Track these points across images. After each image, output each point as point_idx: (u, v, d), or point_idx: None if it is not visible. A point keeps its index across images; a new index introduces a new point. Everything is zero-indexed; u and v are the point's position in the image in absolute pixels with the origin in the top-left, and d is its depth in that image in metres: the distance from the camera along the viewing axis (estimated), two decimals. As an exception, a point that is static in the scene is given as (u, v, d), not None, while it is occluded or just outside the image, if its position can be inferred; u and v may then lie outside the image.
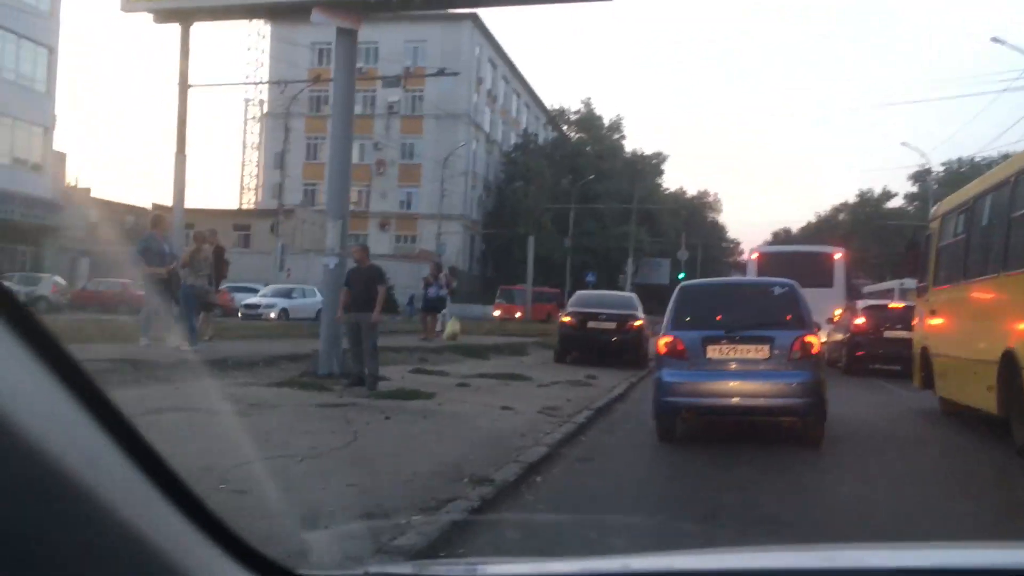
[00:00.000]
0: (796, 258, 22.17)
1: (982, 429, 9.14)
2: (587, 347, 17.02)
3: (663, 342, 8.26)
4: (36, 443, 0.66)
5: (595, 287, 40.18)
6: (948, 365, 10.19)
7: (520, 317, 44.42)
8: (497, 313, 44.01)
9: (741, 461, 7.26)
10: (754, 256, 21.89)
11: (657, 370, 8.45)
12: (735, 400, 7.97)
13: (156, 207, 65.94)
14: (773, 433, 8.43)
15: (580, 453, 7.38)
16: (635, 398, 12.24)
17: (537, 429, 7.83)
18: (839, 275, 21.41)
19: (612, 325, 16.69)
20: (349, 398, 9.09)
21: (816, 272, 20.22)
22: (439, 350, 16.75)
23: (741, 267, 74.63)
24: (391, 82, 46.27)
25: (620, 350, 16.86)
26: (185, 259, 12.06)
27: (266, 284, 43.94)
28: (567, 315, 17.15)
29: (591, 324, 16.74)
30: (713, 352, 7.99)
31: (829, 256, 21.89)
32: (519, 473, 5.82)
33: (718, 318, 8.24)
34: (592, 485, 6.23)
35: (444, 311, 19.77)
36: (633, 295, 18.80)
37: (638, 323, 16.89)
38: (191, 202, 69.38)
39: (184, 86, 24.43)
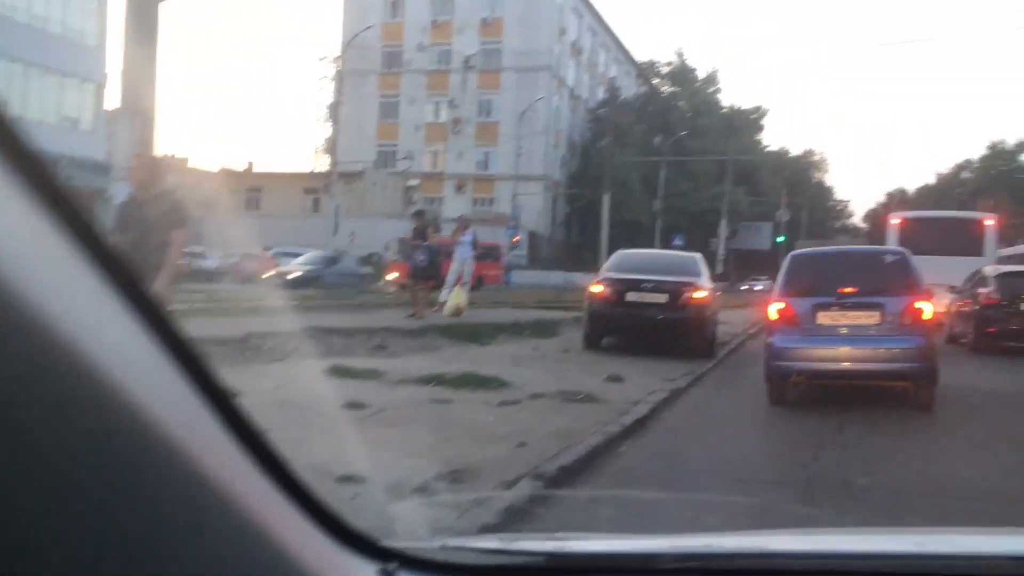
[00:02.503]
0: (942, 224, 20.98)
1: None
2: (627, 328, 12.11)
3: (775, 308, 8.46)
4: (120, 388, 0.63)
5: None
6: None
7: (431, 283, 34.50)
8: (393, 276, 32.61)
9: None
10: (895, 221, 20.26)
11: (768, 335, 8.58)
12: (846, 364, 8.12)
13: (223, 169, 63.90)
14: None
15: None
16: (670, 427, 7.28)
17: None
18: (990, 243, 19.92)
19: (662, 298, 11.70)
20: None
21: (965, 240, 19.29)
22: (421, 331, 12.16)
23: (874, 234, 66.82)
24: None
25: (674, 332, 11.86)
26: None
27: (330, 250, 40.47)
28: (599, 282, 12.19)
29: (632, 296, 11.78)
30: (824, 318, 8.19)
31: (979, 223, 20.50)
32: None
33: (829, 285, 8.34)
34: None
35: (459, 275, 15.00)
36: (697, 256, 13.55)
37: (700, 294, 11.81)
38: (264, 166, 65.43)
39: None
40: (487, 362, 9.80)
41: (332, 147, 45.44)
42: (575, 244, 63.76)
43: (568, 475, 4.96)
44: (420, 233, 14.05)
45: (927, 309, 8.20)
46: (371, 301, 16.95)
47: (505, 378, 8.34)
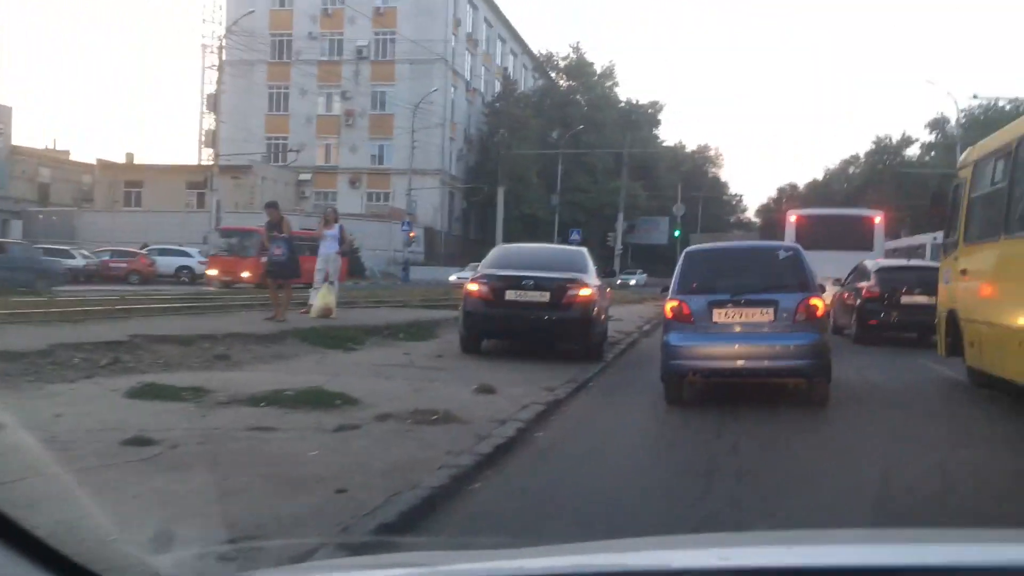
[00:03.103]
0: (835, 221, 22.58)
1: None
2: (507, 330, 11.03)
3: (670, 306, 8.38)
4: None
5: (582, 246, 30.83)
6: (983, 332, 9.04)
7: (250, 278, 27.82)
8: (212, 272, 29.41)
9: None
10: (792, 219, 21.60)
11: (664, 334, 8.44)
12: (740, 362, 8.08)
13: (100, 162, 60.32)
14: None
15: None
16: (541, 452, 6.16)
17: None
18: (879, 238, 21.29)
19: (544, 296, 10.62)
20: None
21: (856, 235, 20.46)
22: (279, 336, 10.83)
23: (767, 229, 67.86)
24: None
25: (558, 333, 10.84)
26: None
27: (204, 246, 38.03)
28: (475, 280, 11.04)
29: (511, 295, 10.66)
30: (719, 316, 8.15)
31: (869, 219, 21.87)
32: None
33: (724, 282, 8.34)
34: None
35: (325, 276, 13.66)
36: (581, 250, 12.54)
37: (586, 291, 10.80)
38: (145, 158, 60.78)
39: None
40: (344, 373, 8.58)
41: (214, 139, 42.96)
42: (473, 239, 62.69)
43: (390, 535, 3.79)
44: (275, 226, 12.60)
45: (820, 306, 8.19)
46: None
47: (356, 394, 7.13)
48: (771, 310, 8.09)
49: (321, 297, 13.13)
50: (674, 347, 8.09)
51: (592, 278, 11.31)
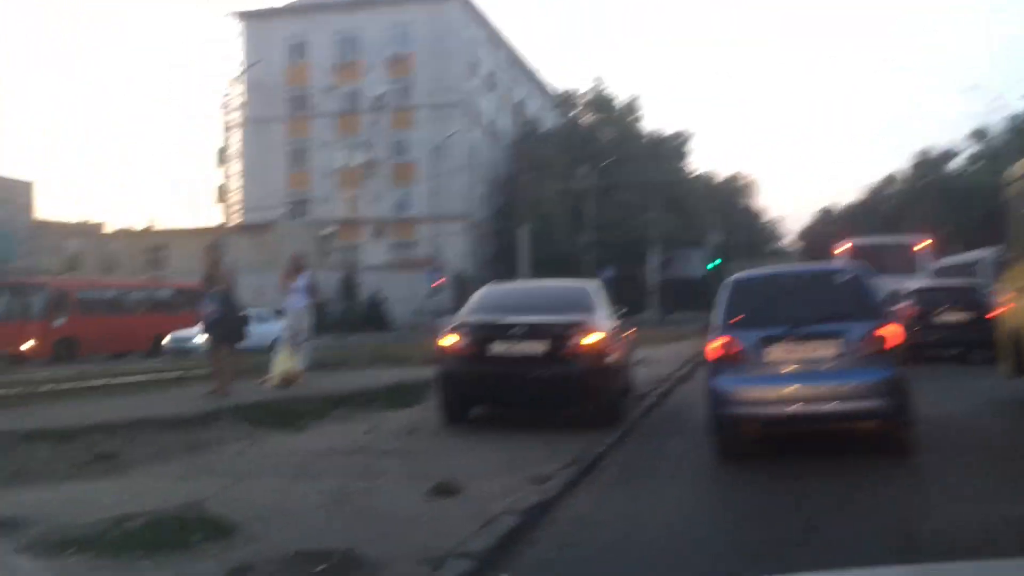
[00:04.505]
0: (887, 248, 24.01)
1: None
2: (494, 393, 8.55)
3: (717, 344, 7.32)
4: None
5: (615, 284, 25.82)
6: None
7: (34, 349, 22.59)
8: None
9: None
10: (847, 247, 22.71)
11: (711, 378, 7.35)
12: (805, 406, 6.92)
13: (123, 230, 59.62)
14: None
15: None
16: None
17: None
18: (921, 263, 22.72)
19: (539, 347, 8.14)
20: None
21: (905, 260, 22.13)
22: (212, 417, 8.55)
23: (811, 251, 64.90)
24: None
25: (560, 395, 8.38)
26: None
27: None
28: (452, 331, 8.72)
29: (498, 347, 8.23)
30: (774, 353, 7.09)
31: (913, 245, 23.74)
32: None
33: (778, 313, 7.25)
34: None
35: (290, 338, 11.44)
36: (588, 286, 9.88)
37: (594, 338, 8.29)
38: (174, 222, 59.81)
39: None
40: (258, 472, 6.27)
41: (223, 197, 41.42)
42: (504, 284, 60.50)
43: None
44: (212, 277, 10.37)
45: (894, 334, 7.01)
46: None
47: (244, 513, 4.81)
48: (836, 343, 6.96)
49: (281, 362, 10.85)
50: (723, 392, 7.05)
51: (603, 319, 8.85)
